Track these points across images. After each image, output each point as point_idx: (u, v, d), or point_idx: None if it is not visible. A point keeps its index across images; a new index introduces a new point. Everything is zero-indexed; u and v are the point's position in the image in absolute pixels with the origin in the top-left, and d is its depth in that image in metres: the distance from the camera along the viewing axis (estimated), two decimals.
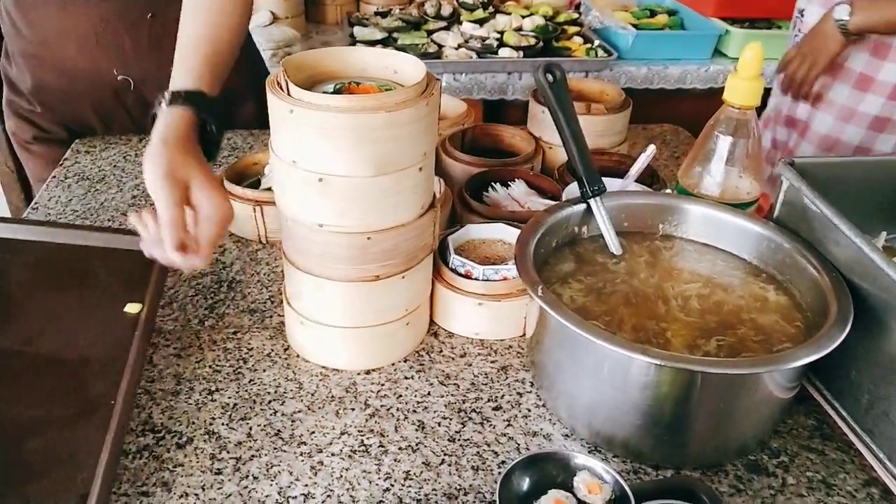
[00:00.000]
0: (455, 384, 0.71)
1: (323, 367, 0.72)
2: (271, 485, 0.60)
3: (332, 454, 0.63)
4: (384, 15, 2.10)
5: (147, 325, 0.69)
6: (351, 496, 0.59)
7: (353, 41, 1.89)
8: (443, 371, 0.72)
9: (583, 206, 0.74)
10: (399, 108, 0.60)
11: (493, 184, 0.92)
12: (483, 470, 0.62)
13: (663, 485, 0.59)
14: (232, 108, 1.18)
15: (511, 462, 0.56)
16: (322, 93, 0.61)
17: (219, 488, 0.59)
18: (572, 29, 2.05)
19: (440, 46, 1.91)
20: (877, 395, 0.61)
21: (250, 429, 0.65)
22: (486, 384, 0.71)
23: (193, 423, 0.65)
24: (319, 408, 0.67)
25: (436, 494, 0.59)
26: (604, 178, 0.73)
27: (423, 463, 0.62)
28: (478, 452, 0.63)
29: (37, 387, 0.65)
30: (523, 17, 2.03)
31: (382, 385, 0.70)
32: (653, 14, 2.10)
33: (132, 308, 0.72)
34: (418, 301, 0.73)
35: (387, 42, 1.91)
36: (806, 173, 0.70)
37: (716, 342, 0.63)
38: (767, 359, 0.59)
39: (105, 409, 0.61)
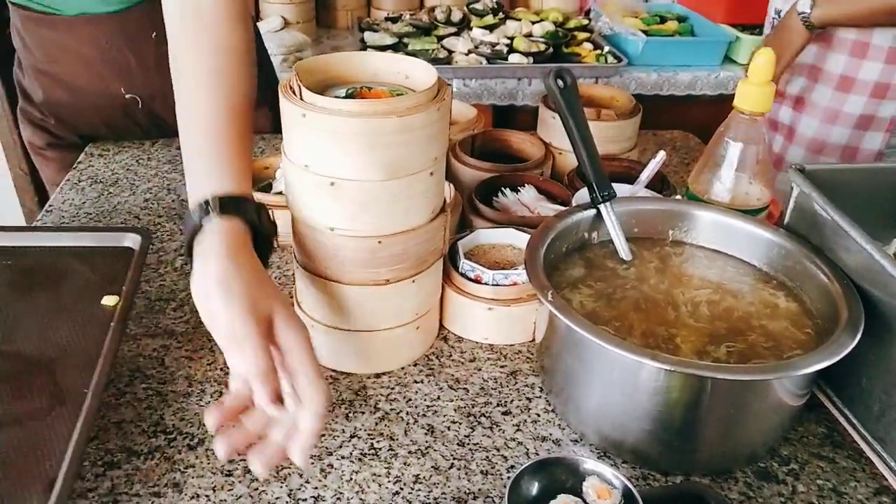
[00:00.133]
0: (464, 388, 0.71)
1: (333, 371, 0.72)
2: (281, 487, 0.60)
3: (342, 457, 0.63)
4: (395, 20, 2.11)
5: (122, 315, 0.69)
6: (360, 499, 0.59)
7: (364, 46, 1.90)
8: (452, 375, 0.72)
9: (593, 212, 0.74)
10: (410, 112, 0.60)
11: (502, 189, 0.93)
12: (492, 474, 0.62)
13: (673, 491, 0.59)
14: None
15: (520, 466, 0.56)
16: (334, 97, 0.62)
17: (229, 490, 0.59)
18: (582, 35, 2.06)
19: (450, 52, 1.92)
20: (888, 402, 0.60)
21: None
22: (495, 389, 0.71)
23: (204, 424, 0.65)
24: (329, 411, 0.68)
25: (445, 498, 0.59)
26: (614, 184, 0.73)
27: (432, 467, 0.62)
28: (487, 457, 0.63)
29: (10, 381, 0.64)
30: (533, 22, 2.04)
31: (392, 389, 0.71)
32: (663, 20, 2.10)
33: (109, 301, 0.72)
34: (428, 305, 0.73)
35: (397, 47, 1.92)
36: (816, 180, 0.70)
37: (725, 348, 0.63)
38: (777, 365, 0.59)
39: (78, 399, 0.61)
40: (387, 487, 0.60)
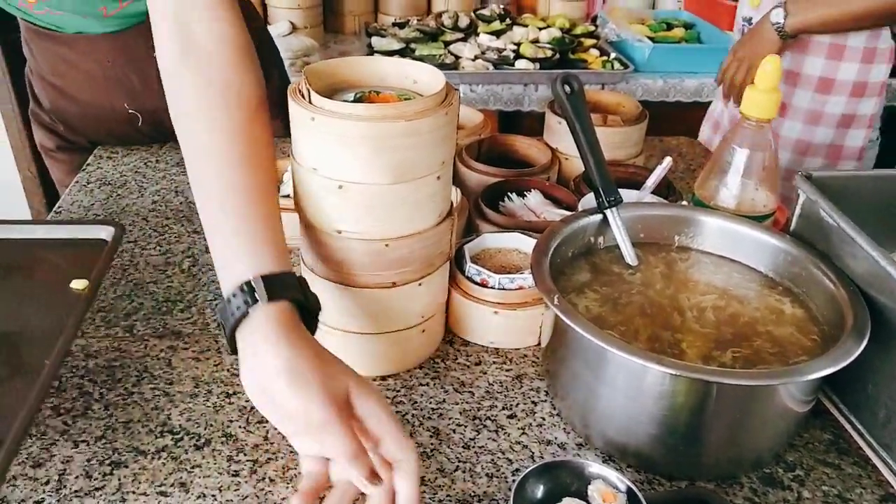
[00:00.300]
0: (470, 392, 0.71)
1: None
2: (287, 487, 0.60)
3: None
4: (402, 26, 2.12)
5: (89, 294, 0.69)
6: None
7: (371, 51, 1.91)
8: (458, 378, 0.73)
9: (599, 217, 0.74)
10: (418, 117, 0.60)
11: (509, 194, 0.93)
12: (497, 477, 0.62)
13: (678, 495, 0.59)
14: None
15: (525, 470, 0.56)
16: (342, 101, 0.62)
17: (235, 490, 0.60)
18: (589, 41, 2.06)
19: (457, 57, 1.93)
20: (894, 409, 0.60)
21: (267, 432, 0.65)
22: (500, 392, 0.71)
23: (211, 425, 0.66)
24: None
25: (450, 500, 0.60)
26: (620, 190, 0.73)
27: (437, 469, 0.62)
28: (492, 460, 0.64)
29: None
30: (540, 29, 2.05)
31: (398, 391, 0.71)
32: (669, 27, 2.11)
33: (78, 284, 0.73)
34: (434, 308, 0.73)
35: (404, 53, 1.93)
36: (823, 186, 0.70)
37: (731, 354, 0.63)
38: (783, 371, 0.59)
39: (38, 369, 0.61)
40: None
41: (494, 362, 0.75)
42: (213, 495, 0.59)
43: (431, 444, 0.65)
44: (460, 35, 2.05)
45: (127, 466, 0.61)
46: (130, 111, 1.13)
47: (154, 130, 1.17)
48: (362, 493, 0.52)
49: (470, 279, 0.76)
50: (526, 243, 0.81)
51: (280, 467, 0.62)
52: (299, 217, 0.69)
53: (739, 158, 0.77)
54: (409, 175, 0.63)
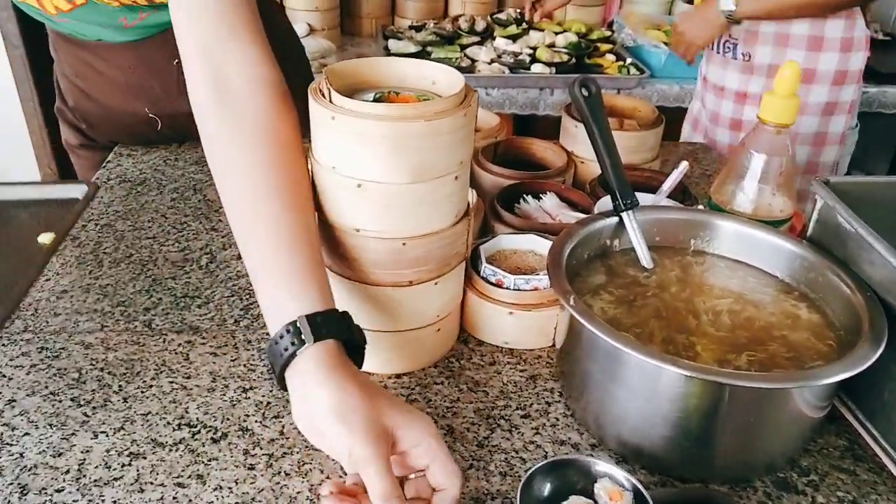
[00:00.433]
0: (484, 391, 0.71)
1: None
2: (302, 482, 0.61)
3: None
4: (418, 29, 2.13)
5: (52, 246, 0.69)
6: None
7: (388, 54, 1.93)
8: (472, 378, 0.73)
9: (615, 220, 0.75)
10: (438, 117, 0.61)
11: (524, 196, 0.93)
12: (510, 476, 0.62)
13: (685, 494, 0.59)
14: None
15: (533, 467, 0.56)
16: (363, 101, 0.63)
17: (252, 483, 0.60)
18: (605, 46, 2.07)
19: (473, 61, 1.93)
20: None
21: (283, 427, 0.66)
22: (514, 392, 0.71)
23: (228, 419, 0.67)
24: None
25: (464, 498, 0.60)
26: (635, 193, 0.74)
27: None
28: (505, 459, 0.64)
29: None
30: (556, 33, 2.05)
31: (412, 389, 0.71)
32: None
33: (45, 238, 0.73)
34: (449, 308, 0.74)
35: (420, 55, 1.94)
36: (840, 192, 0.70)
37: (746, 357, 0.63)
38: (798, 375, 0.59)
39: None
40: None
41: (509, 362, 0.75)
42: (229, 488, 0.60)
43: (445, 441, 0.65)
44: (476, 39, 2.06)
45: (145, 458, 0.62)
46: (151, 115, 1.14)
47: (173, 132, 1.19)
48: None
49: (485, 279, 0.77)
50: (541, 245, 0.81)
51: (296, 462, 0.63)
52: (318, 215, 0.69)
53: (757, 163, 0.77)
54: (428, 175, 0.63)
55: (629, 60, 1.97)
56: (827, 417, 0.64)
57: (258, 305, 0.81)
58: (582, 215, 0.89)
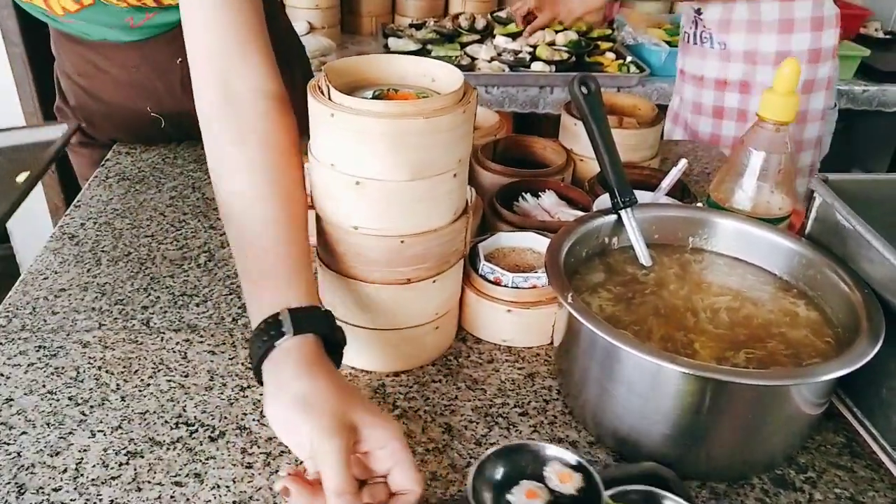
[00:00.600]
0: (482, 389, 0.71)
1: (353, 368, 0.73)
2: None
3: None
4: (419, 27, 2.13)
5: (29, 183, 0.68)
6: None
7: (388, 52, 1.92)
8: (470, 376, 0.73)
9: (613, 217, 0.74)
10: (437, 114, 0.61)
11: (523, 194, 0.93)
12: None
13: (631, 471, 0.59)
14: None
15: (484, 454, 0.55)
16: (362, 98, 0.63)
17: (249, 481, 0.60)
18: (605, 45, 2.06)
19: (473, 59, 1.93)
20: None
21: None
22: (512, 390, 0.71)
23: (225, 417, 0.67)
24: None
25: (462, 496, 0.60)
26: (634, 191, 0.74)
27: (449, 464, 0.63)
28: None
29: None
30: (556, 31, 2.05)
31: (411, 387, 0.71)
32: None
33: (22, 177, 0.72)
34: (448, 306, 0.74)
35: (420, 54, 1.93)
36: (838, 189, 0.70)
37: (744, 355, 0.63)
38: (796, 372, 0.59)
39: None
40: None
41: (507, 360, 0.75)
42: (227, 486, 0.60)
43: (443, 439, 0.65)
44: (477, 37, 2.06)
45: (143, 456, 0.62)
46: (154, 114, 1.14)
47: (176, 131, 1.18)
48: None
49: (484, 277, 0.77)
50: (540, 243, 0.81)
51: (293, 460, 0.62)
52: (316, 213, 0.69)
53: (755, 161, 0.77)
54: (427, 172, 0.63)
55: (629, 59, 1.96)
56: (825, 414, 0.64)
57: None
58: (581, 213, 0.89)
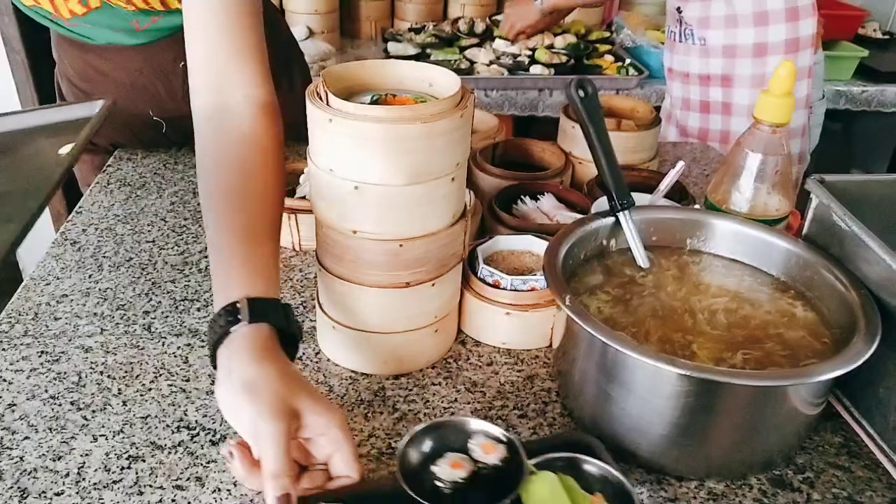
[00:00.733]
0: (482, 391, 0.72)
1: (353, 372, 0.74)
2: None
3: (361, 456, 0.64)
4: (418, 31, 2.13)
5: (74, 154, 0.68)
6: None
7: (387, 56, 1.93)
8: (470, 378, 0.73)
9: (611, 220, 0.75)
10: (434, 119, 0.61)
11: (522, 197, 0.94)
12: None
13: (555, 441, 0.60)
14: None
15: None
16: (360, 103, 0.63)
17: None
18: (604, 47, 2.07)
19: (472, 63, 1.94)
20: None
21: None
22: (512, 392, 0.72)
23: (226, 421, 0.67)
24: (349, 411, 0.69)
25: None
26: (632, 194, 0.74)
27: None
28: None
29: None
30: (555, 34, 2.05)
31: (410, 390, 0.72)
32: None
33: (66, 149, 0.73)
34: (447, 309, 0.74)
35: (420, 57, 1.94)
36: (835, 191, 0.70)
37: (742, 356, 0.63)
38: (793, 372, 0.59)
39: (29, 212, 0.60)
40: None
41: (506, 363, 0.76)
42: (227, 490, 0.60)
43: None
44: (475, 40, 2.06)
45: (144, 460, 0.63)
46: (155, 118, 1.15)
47: (177, 135, 1.19)
48: None
49: (482, 280, 0.77)
50: (538, 245, 0.82)
51: None
52: (315, 217, 0.70)
53: (752, 163, 0.78)
54: (425, 176, 0.64)
55: (628, 61, 1.97)
56: (822, 415, 0.65)
57: None
58: (580, 216, 0.89)
